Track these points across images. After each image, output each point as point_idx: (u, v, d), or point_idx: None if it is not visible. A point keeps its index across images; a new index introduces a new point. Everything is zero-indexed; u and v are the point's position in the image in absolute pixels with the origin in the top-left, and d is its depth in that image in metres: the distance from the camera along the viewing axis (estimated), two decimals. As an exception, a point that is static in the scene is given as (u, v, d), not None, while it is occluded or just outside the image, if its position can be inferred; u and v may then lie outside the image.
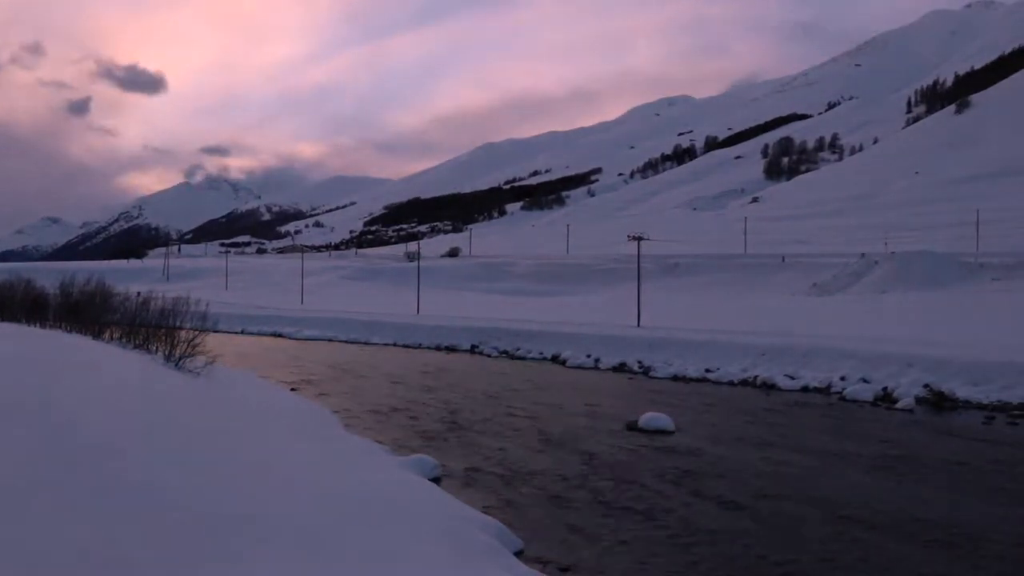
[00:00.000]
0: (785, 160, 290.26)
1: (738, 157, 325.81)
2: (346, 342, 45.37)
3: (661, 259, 77.41)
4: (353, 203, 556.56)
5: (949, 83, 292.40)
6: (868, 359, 25.97)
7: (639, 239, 48.04)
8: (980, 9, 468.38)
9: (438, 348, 40.97)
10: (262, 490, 7.55)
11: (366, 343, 44.52)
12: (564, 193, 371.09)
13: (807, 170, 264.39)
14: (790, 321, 40.68)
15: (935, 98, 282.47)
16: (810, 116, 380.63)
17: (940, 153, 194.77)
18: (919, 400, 22.29)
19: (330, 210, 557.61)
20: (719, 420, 20.28)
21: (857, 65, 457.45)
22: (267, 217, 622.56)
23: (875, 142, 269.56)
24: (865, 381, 24.41)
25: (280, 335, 50.78)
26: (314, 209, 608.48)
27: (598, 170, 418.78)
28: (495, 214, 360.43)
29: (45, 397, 8.27)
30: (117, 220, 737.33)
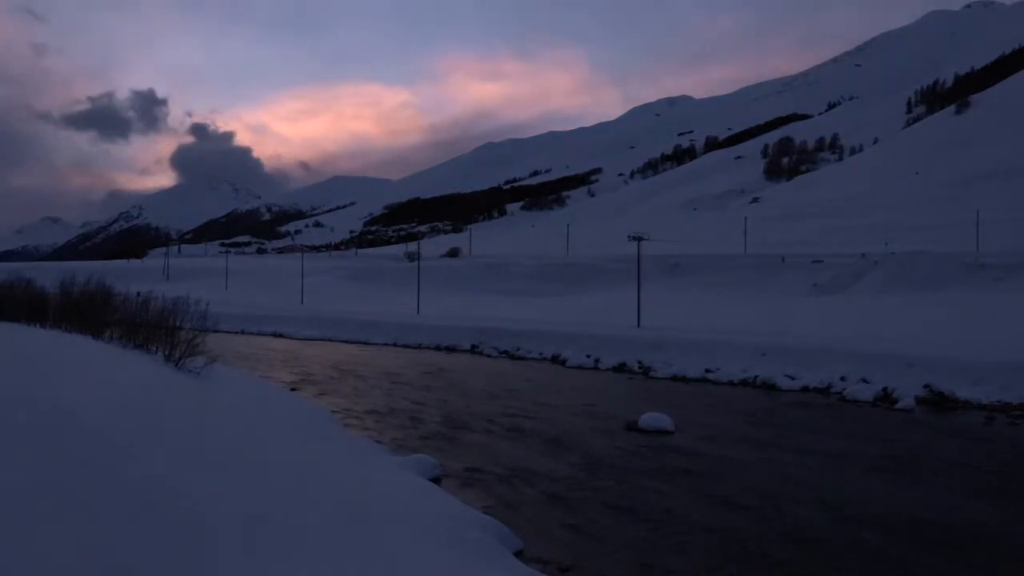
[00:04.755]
0: (785, 160, 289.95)
1: (738, 157, 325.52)
2: (346, 342, 45.36)
3: (661, 259, 77.33)
4: (353, 203, 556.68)
5: (949, 83, 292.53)
6: (868, 359, 25.98)
7: (639, 239, 48.03)
8: (980, 9, 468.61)
9: (438, 348, 40.95)
10: (261, 490, 7.54)
11: (366, 343, 44.51)
12: (564, 193, 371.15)
13: (807, 170, 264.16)
14: (790, 321, 40.71)
15: (935, 98, 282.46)
16: (810, 116, 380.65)
17: (940, 153, 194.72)
18: (919, 400, 22.29)
19: (330, 210, 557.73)
20: (719, 420, 20.27)
21: (857, 65, 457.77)
22: (267, 217, 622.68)
23: (875, 142, 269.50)
24: (865, 381, 24.41)
25: (280, 335, 50.79)
26: (314, 209, 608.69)
27: (598, 170, 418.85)
28: (495, 214, 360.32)
29: (45, 397, 8.26)
30: (117, 220, 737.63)
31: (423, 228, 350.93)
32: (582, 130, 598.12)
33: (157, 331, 17.33)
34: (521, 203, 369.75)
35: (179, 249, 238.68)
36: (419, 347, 41.79)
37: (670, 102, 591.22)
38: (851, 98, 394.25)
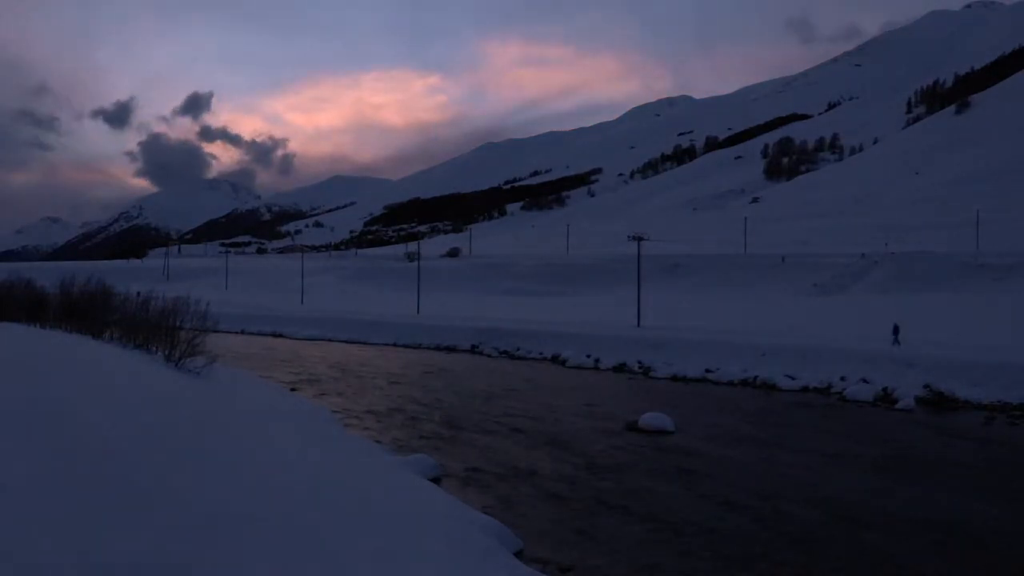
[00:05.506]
0: (785, 160, 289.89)
1: (738, 157, 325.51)
2: (346, 342, 45.36)
3: (661, 259, 77.34)
4: (353, 203, 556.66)
5: (949, 83, 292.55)
6: (868, 359, 25.98)
7: (639, 239, 48.05)
8: (980, 9, 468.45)
9: (438, 348, 40.95)
10: (262, 490, 7.54)
11: (366, 343, 44.51)
12: (564, 193, 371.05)
13: (807, 170, 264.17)
14: (790, 321, 40.71)
15: (935, 98, 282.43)
16: (810, 116, 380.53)
17: (940, 153, 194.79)
18: (919, 400, 22.29)
19: (330, 210, 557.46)
20: (719, 420, 20.27)
21: (857, 65, 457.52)
22: (267, 217, 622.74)
23: (875, 142, 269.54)
24: (865, 381, 24.42)
25: (280, 335, 50.79)
26: (314, 209, 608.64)
27: (598, 170, 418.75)
28: (495, 214, 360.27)
29: (45, 397, 8.26)
30: (117, 220, 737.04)
31: (423, 228, 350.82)
32: (582, 130, 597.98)
33: (157, 331, 17.35)
34: (521, 203, 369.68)
35: (179, 249, 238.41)
36: (419, 347, 41.79)
37: (670, 102, 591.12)
38: (851, 98, 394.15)
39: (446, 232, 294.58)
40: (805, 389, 25.44)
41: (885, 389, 23.38)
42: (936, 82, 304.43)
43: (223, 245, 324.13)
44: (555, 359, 34.61)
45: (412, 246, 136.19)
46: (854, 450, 16.49)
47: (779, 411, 21.89)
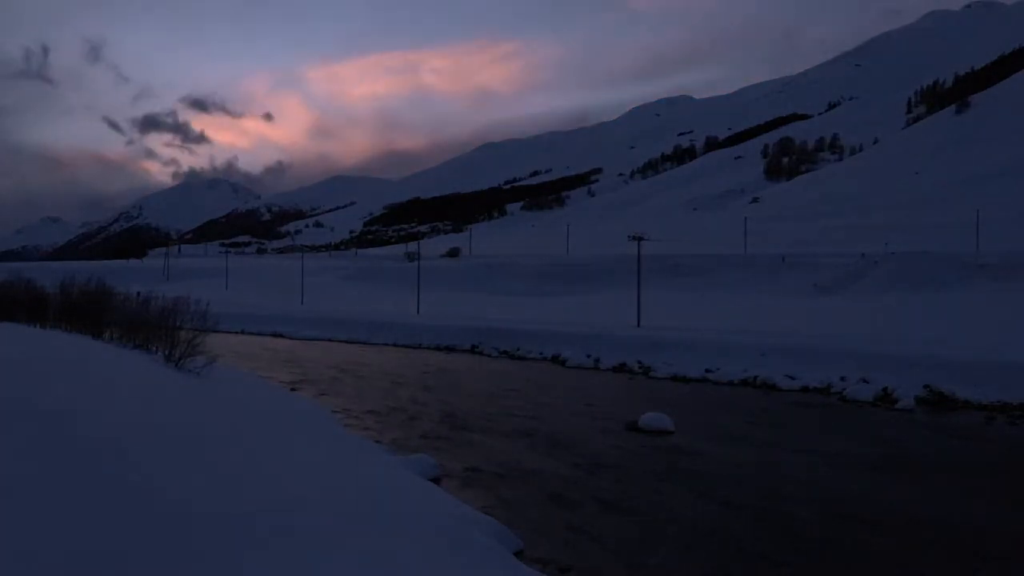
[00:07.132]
0: (785, 160, 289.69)
1: (738, 157, 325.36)
2: (346, 342, 45.36)
3: (661, 259, 77.32)
4: (353, 203, 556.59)
5: (949, 83, 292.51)
6: (868, 359, 25.99)
7: (639, 239, 48.07)
8: (980, 9, 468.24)
9: (438, 348, 40.95)
10: (261, 490, 7.54)
11: (366, 343, 44.51)
12: (564, 193, 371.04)
13: (807, 170, 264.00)
14: (790, 321, 40.73)
15: (935, 98, 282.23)
16: (810, 116, 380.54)
17: (940, 153, 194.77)
18: (919, 400, 22.30)
19: (330, 210, 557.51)
20: (719, 420, 20.27)
21: (857, 65, 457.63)
22: (267, 217, 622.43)
23: (875, 142, 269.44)
24: (865, 381, 24.43)
25: (280, 335, 50.79)
26: (314, 209, 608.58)
27: (598, 170, 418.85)
28: (495, 214, 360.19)
29: (45, 397, 8.26)
30: (117, 220, 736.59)
31: (423, 228, 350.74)
32: (582, 130, 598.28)
33: (157, 331, 17.34)
34: (521, 203, 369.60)
35: (179, 249, 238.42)
36: (419, 347, 41.79)
37: (670, 102, 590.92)
38: (851, 98, 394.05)
39: (446, 232, 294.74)
40: (805, 389, 25.45)
41: (885, 389, 23.39)
42: (936, 82, 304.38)
43: (223, 245, 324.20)
44: (555, 359, 34.61)
45: (412, 246, 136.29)
46: (854, 450, 16.49)
47: (779, 411, 21.89)
